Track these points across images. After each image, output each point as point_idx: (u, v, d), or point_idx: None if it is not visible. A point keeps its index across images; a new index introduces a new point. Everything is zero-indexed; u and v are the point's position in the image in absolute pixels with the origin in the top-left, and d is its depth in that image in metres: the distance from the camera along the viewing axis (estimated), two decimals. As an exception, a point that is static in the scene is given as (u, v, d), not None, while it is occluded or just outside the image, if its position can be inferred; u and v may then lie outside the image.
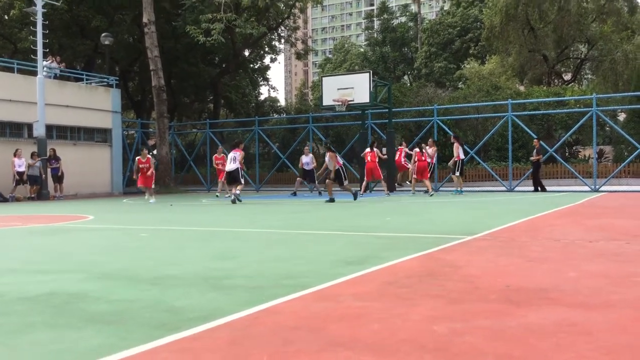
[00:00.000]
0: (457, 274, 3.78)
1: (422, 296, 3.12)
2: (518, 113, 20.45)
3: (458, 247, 5.16)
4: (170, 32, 30.00)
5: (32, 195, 18.61)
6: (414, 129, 23.96)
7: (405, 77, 52.70)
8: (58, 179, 19.41)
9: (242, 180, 14.77)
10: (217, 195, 18.01)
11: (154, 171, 16.07)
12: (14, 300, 3.21)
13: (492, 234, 6.12)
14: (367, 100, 18.81)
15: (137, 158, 15.77)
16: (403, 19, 55.98)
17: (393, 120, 20.64)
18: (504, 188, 19.20)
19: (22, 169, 18.21)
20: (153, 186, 16.03)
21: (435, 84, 37.68)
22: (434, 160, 18.28)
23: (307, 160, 18.42)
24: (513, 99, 21.62)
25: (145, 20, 23.33)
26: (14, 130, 20.16)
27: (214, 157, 19.31)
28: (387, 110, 20.51)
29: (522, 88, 33.22)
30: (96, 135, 23.00)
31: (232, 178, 14.65)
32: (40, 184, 18.88)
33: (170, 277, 3.87)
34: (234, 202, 13.99)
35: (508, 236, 5.94)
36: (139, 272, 4.14)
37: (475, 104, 23.77)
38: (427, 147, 17.53)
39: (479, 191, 18.82)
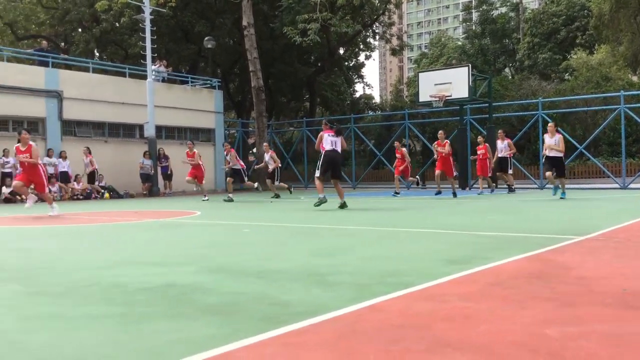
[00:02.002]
0: (569, 276, 3.61)
1: (531, 298, 3.01)
2: (632, 105, 19.09)
3: (569, 247, 4.91)
4: (268, 34, 30.83)
5: (144, 192, 19.86)
6: (516, 124, 23.03)
7: (507, 70, 50.77)
8: (167, 176, 20.58)
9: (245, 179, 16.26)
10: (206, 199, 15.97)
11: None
12: (135, 290, 3.45)
13: (606, 234, 5.77)
14: (466, 95, 18.35)
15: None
16: (503, 10, 53.88)
17: (494, 115, 19.97)
18: (616, 185, 18.02)
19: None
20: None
21: (540, 76, 36.04)
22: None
23: (267, 158, 16.70)
24: (625, 90, 20.23)
25: (244, 23, 24.13)
26: (127, 131, 21.57)
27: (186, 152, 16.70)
28: (487, 104, 19.88)
29: (635, 78, 31.03)
30: (201, 135, 24.12)
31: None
32: (152, 181, 20.11)
33: (274, 272, 3.99)
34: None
35: (624, 237, 5.58)
36: (245, 266, 4.30)
37: (584, 96, 22.50)
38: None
39: (588, 189, 17.80)
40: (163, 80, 23.39)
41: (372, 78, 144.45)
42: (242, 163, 16.54)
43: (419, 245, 5.45)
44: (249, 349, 2.24)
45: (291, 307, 2.92)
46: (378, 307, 2.87)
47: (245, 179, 16.33)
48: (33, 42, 33.37)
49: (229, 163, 16.01)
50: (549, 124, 13.92)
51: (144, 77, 21.30)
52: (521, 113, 22.26)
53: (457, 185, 17.03)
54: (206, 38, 25.48)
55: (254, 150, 25.11)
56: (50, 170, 18.27)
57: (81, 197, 18.53)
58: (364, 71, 45.69)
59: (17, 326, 2.67)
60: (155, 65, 22.30)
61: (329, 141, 10.46)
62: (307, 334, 2.44)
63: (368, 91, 46.18)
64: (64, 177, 18.51)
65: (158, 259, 4.90)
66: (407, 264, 4.21)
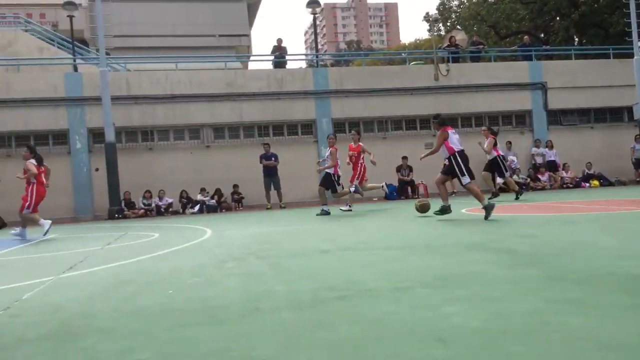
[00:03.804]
0: None
1: None
2: None
3: None
4: None
5: (638, 179, 18.55)
6: None
7: None
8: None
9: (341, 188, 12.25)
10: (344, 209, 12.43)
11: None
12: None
13: None
14: None
15: None
16: None
17: None
18: None
19: None
20: None
21: None
22: None
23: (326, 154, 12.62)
24: None
25: None
26: (614, 115, 20.51)
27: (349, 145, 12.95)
28: None
29: None
30: None
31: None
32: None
33: None
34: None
35: None
36: None
37: None
38: None
39: None
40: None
41: None
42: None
43: None
44: None
45: None
46: None
47: (338, 187, 12.18)
48: (514, 39, 35.19)
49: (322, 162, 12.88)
50: None
51: (629, 56, 19.75)
52: None
53: None
54: None
55: None
56: (539, 160, 19.02)
57: (571, 185, 18.57)
58: None
59: (544, 307, 2.93)
60: (643, 40, 20.39)
61: (455, 139, 8.69)
62: None
63: None
64: (552, 166, 18.93)
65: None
66: None
